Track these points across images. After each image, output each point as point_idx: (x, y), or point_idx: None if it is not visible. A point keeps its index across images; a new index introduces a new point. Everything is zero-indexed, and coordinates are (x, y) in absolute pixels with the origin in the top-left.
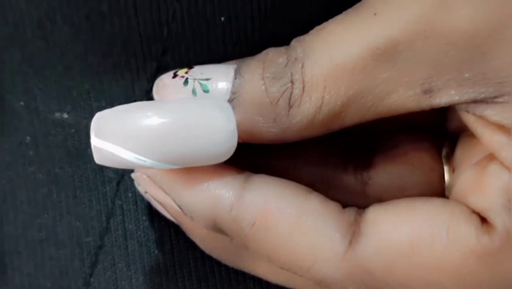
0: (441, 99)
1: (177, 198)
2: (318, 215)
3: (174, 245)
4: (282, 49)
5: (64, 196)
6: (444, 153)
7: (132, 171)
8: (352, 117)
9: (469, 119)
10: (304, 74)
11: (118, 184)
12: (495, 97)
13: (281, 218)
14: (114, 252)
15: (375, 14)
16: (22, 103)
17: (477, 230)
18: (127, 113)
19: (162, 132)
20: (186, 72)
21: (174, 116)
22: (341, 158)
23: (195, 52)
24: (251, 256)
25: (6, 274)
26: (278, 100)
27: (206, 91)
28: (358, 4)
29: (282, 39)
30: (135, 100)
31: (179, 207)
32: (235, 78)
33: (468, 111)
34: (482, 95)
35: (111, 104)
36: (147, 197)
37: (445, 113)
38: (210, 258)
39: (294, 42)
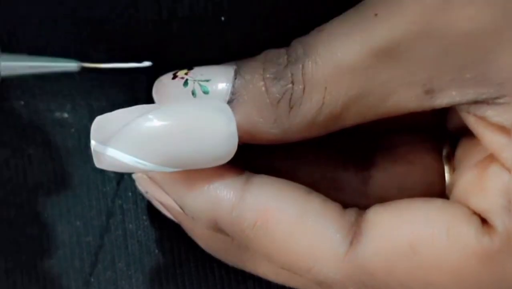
0: (442, 100)
1: (178, 198)
2: (318, 215)
3: (174, 245)
4: (282, 49)
5: (64, 196)
6: (445, 153)
7: None
8: (353, 118)
9: (470, 120)
10: (304, 75)
11: (118, 183)
12: (496, 98)
13: (282, 218)
14: (114, 251)
15: (376, 14)
16: (22, 102)
17: (478, 231)
18: (126, 118)
19: (163, 136)
20: (186, 74)
21: (174, 120)
22: (342, 158)
23: (195, 52)
24: (252, 256)
25: (6, 273)
26: (278, 101)
27: (206, 92)
28: (358, 5)
29: (282, 39)
30: (135, 100)
31: (180, 207)
32: (235, 79)
33: (469, 112)
34: (483, 96)
35: (111, 104)
36: (148, 197)
37: (446, 113)
38: (210, 258)
39: (294, 42)
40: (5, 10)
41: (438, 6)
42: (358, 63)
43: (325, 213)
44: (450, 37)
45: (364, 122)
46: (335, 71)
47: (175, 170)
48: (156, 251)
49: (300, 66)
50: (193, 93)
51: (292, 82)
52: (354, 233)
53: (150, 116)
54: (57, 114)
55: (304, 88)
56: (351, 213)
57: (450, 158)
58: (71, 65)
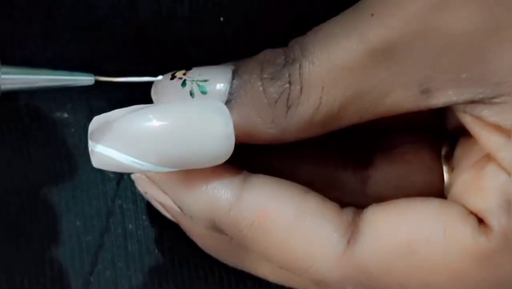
0: (439, 99)
1: (177, 198)
2: (316, 215)
3: (174, 245)
4: (280, 50)
5: (64, 195)
6: (443, 152)
7: None
8: (350, 118)
9: (467, 120)
10: (302, 75)
11: (118, 183)
12: (493, 98)
13: (280, 218)
14: (114, 251)
15: (373, 14)
16: (23, 102)
17: (474, 230)
18: (124, 118)
19: (161, 136)
20: (184, 74)
21: (172, 120)
22: (341, 157)
23: (194, 52)
24: (250, 255)
25: (6, 273)
26: (276, 101)
27: (204, 92)
28: (355, 5)
29: (281, 40)
30: (134, 100)
31: (179, 207)
32: (233, 79)
33: (465, 112)
34: (480, 96)
35: (111, 104)
36: (147, 197)
37: (445, 113)
38: (210, 258)
39: (292, 42)
40: (7, 10)
41: (434, 6)
42: (355, 63)
43: (323, 213)
44: (446, 37)
45: (362, 122)
46: (332, 71)
47: (173, 170)
48: (156, 251)
49: (297, 66)
50: (191, 93)
51: (290, 83)
52: (352, 233)
53: (149, 116)
54: (57, 114)
55: (301, 89)
56: (349, 212)
57: (449, 158)
58: (85, 79)
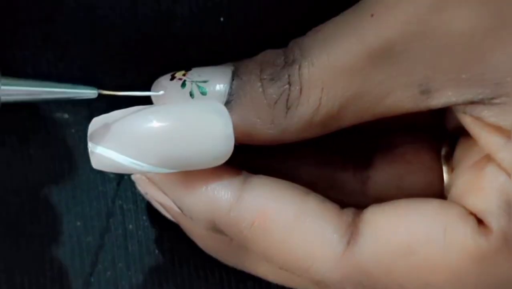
0: (438, 100)
1: (177, 199)
2: (316, 215)
3: (174, 245)
4: (279, 50)
5: (64, 196)
6: (443, 153)
7: None
8: (350, 118)
9: (466, 121)
10: (301, 76)
11: (118, 183)
12: (492, 98)
13: (280, 219)
14: (114, 251)
15: (372, 15)
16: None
17: (474, 231)
18: (124, 119)
19: (160, 137)
20: (184, 75)
21: (172, 121)
22: (341, 158)
23: (194, 52)
24: (251, 256)
25: (6, 273)
26: (275, 102)
27: (203, 93)
28: (355, 5)
29: (281, 40)
30: (134, 101)
31: (179, 208)
32: (233, 80)
33: (465, 113)
34: (479, 96)
35: (111, 104)
36: (148, 198)
37: (445, 113)
38: (210, 258)
39: (291, 43)
40: (7, 10)
41: (433, 6)
42: (354, 64)
43: (322, 213)
44: (445, 37)
45: (362, 122)
46: (331, 72)
47: (173, 170)
48: (156, 251)
49: (297, 67)
50: (191, 94)
51: (289, 83)
52: (352, 233)
53: (149, 117)
54: (57, 114)
55: (301, 89)
56: (349, 213)
57: (449, 158)
58: (88, 92)
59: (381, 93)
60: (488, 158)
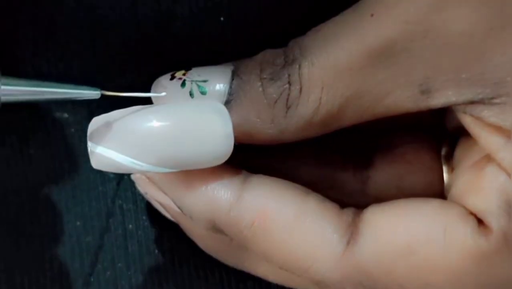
0: (438, 100)
1: (176, 199)
2: (316, 215)
3: (174, 245)
4: (279, 50)
5: (64, 195)
6: (443, 152)
7: None
8: (350, 118)
9: (466, 121)
10: (301, 75)
11: (118, 183)
12: (492, 98)
13: (280, 218)
14: (114, 251)
15: (372, 15)
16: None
17: (474, 231)
18: (124, 118)
19: (159, 136)
20: (184, 74)
21: (171, 120)
22: (341, 157)
23: (194, 52)
24: (251, 256)
25: (6, 273)
26: (275, 102)
27: (203, 93)
28: (355, 5)
29: (281, 40)
30: (133, 101)
31: (179, 208)
32: (233, 80)
33: (465, 112)
34: (479, 96)
35: (110, 104)
36: (147, 198)
37: (445, 113)
38: (210, 258)
39: (291, 43)
40: (6, 11)
41: (433, 6)
42: (354, 63)
43: (322, 213)
44: (445, 37)
45: (362, 122)
46: (331, 71)
47: (172, 170)
48: (156, 251)
49: (297, 66)
50: (191, 94)
51: (289, 83)
52: (352, 233)
53: (149, 117)
54: (57, 114)
55: (301, 89)
56: (349, 213)
57: (449, 158)
58: (91, 93)
59: (381, 93)
60: (488, 158)
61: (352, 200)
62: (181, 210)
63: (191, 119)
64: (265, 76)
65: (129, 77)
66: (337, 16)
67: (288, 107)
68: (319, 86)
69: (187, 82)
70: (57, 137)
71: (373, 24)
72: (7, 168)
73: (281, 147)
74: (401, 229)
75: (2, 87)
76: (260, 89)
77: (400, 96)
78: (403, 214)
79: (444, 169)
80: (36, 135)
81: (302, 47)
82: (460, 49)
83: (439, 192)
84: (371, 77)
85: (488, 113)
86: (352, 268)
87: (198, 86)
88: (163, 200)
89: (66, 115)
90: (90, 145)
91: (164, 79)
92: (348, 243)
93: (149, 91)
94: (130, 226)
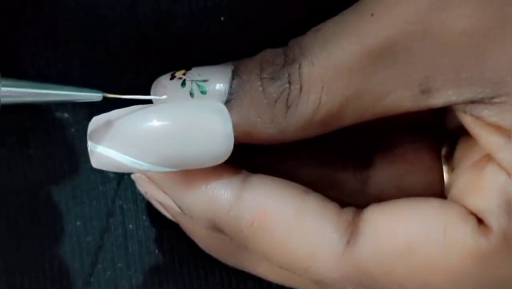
0: (438, 99)
1: (176, 198)
2: (316, 215)
3: (174, 245)
4: (279, 50)
5: (64, 196)
6: (444, 152)
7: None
8: (350, 118)
9: (467, 120)
10: (301, 75)
11: (118, 183)
12: (493, 97)
13: (280, 218)
14: (114, 251)
15: (372, 14)
16: None
17: (474, 231)
18: (124, 118)
19: (159, 136)
20: (184, 74)
21: (171, 120)
22: (341, 157)
23: (194, 52)
24: (251, 255)
25: (6, 273)
26: (275, 101)
27: (203, 92)
28: (355, 5)
29: (281, 40)
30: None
31: (179, 207)
32: (233, 79)
33: (465, 112)
34: (480, 96)
35: (111, 104)
36: (148, 197)
37: (446, 112)
38: (210, 258)
39: (291, 42)
40: (6, 11)
41: (433, 5)
42: (354, 63)
43: (322, 213)
44: (445, 36)
45: (362, 122)
46: (331, 71)
47: (172, 169)
48: (156, 251)
49: (297, 66)
50: (191, 93)
51: (289, 82)
52: (352, 233)
53: (149, 116)
54: (57, 114)
55: (301, 88)
56: (349, 212)
57: (449, 158)
58: (93, 95)
59: (381, 92)
60: (488, 158)
61: (352, 200)
62: (181, 209)
63: (191, 119)
64: (265, 76)
65: (129, 77)
66: (337, 16)
67: (288, 107)
68: (319, 86)
69: (187, 82)
70: (57, 137)
71: (373, 24)
72: (7, 168)
73: (281, 146)
74: (401, 228)
75: (3, 88)
76: (260, 88)
77: (400, 96)
78: (403, 214)
79: (444, 168)
80: (36, 136)
81: (302, 46)
82: (460, 49)
83: (439, 192)
84: (371, 77)
85: (488, 113)
86: (352, 268)
87: (198, 86)
88: (163, 199)
89: (66, 115)
90: (90, 144)
91: (164, 79)
92: (348, 242)
93: (149, 91)
94: (130, 226)
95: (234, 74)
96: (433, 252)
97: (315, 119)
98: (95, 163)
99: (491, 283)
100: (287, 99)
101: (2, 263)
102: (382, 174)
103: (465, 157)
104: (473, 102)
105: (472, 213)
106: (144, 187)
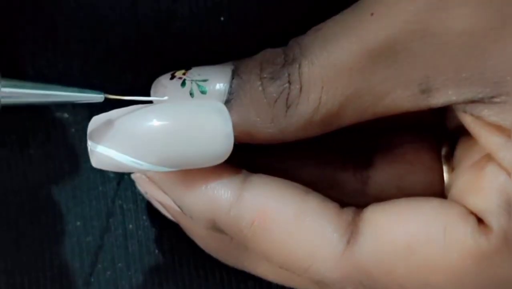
0: (438, 99)
1: (176, 198)
2: (316, 215)
3: (174, 245)
4: (279, 49)
5: (64, 196)
6: (444, 152)
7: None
8: (350, 117)
9: (467, 120)
10: (301, 75)
11: (118, 183)
12: (492, 97)
13: (280, 218)
14: (114, 251)
15: (372, 14)
16: None
17: (474, 231)
18: (124, 117)
19: (159, 136)
20: (184, 74)
21: (171, 120)
22: (341, 157)
23: (194, 52)
24: (251, 255)
25: (6, 273)
26: (275, 101)
27: (203, 92)
28: (355, 4)
29: (281, 40)
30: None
31: (179, 207)
32: (233, 79)
33: (465, 112)
34: (480, 95)
35: (111, 104)
36: (148, 197)
37: (446, 112)
38: (210, 258)
39: (291, 42)
40: (5, 11)
41: (433, 5)
42: (354, 63)
43: (322, 213)
44: (445, 36)
45: (362, 122)
46: (331, 71)
47: (172, 169)
48: (156, 251)
49: (297, 66)
50: (191, 93)
51: (289, 82)
52: (352, 232)
53: (149, 116)
54: (57, 114)
55: (301, 88)
56: (349, 212)
57: (449, 158)
58: (95, 97)
59: (381, 92)
60: (489, 158)
61: (352, 200)
62: (181, 209)
63: (191, 118)
64: (265, 76)
65: (129, 77)
66: (337, 16)
67: (288, 107)
68: (319, 86)
69: (187, 82)
70: (57, 137)
71: (373, 23)
72: (7, 168)
73: (281, 146)
74: (401, 228)
75: (3, 89)
76: (260, 88)
77: (400, 95)
78: (403, 213)
79: (444, 168)
80: (36, 136)
81: (302, 46)
82: (460, 48)
83: (439, 192)
84: (371, 77)
85: (488, 113)
86: (352, 268)
87: (198, 85)
88: (163, 199)
89: (66, 115)
90: (90, 144)
91: (164, 79)
92: (348, 242)
93: (149, 91)
94: (130, 226)
95: (234, 74)
96: (433, 252)
97: (315, 119)
98: (95, 162)
99: (491, 283)
100: (287, 99)
101: (2, 263)
102: (382, 174)
103: (465, 157)
104: (473, 102)
105: (472, 213)
106: (144, 187)
